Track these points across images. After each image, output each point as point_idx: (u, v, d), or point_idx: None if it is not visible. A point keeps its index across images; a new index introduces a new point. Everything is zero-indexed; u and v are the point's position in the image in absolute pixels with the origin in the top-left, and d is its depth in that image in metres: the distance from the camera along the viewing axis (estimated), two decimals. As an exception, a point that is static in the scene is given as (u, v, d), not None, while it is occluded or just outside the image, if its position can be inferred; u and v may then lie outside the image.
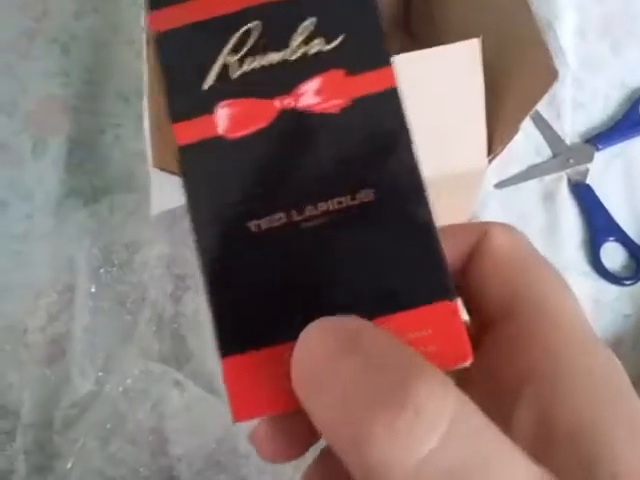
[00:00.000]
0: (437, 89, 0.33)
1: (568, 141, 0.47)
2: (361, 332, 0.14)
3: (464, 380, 0.13)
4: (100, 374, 0.41)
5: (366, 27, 0.17)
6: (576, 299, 0.17)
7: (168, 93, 0.17)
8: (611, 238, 0.44)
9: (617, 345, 0.42)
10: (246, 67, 0.17)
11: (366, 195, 0.16)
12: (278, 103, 0.16)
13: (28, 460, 0.40)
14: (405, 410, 0.12)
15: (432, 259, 0.16)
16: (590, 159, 0.46)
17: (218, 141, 0.16)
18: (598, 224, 0.44)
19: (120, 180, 0.47)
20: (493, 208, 0.45)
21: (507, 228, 0.18)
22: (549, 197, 0.45)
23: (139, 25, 0.52)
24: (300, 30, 0.17)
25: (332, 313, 0.15)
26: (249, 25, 0.17)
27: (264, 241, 0.16)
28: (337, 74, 0.17)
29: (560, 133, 0.47)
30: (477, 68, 0.33)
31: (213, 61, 0.17)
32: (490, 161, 0.35)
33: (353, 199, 0.16)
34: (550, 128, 0.47)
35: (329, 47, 0.17)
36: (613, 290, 0.43)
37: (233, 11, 0.17)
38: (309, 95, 0.16)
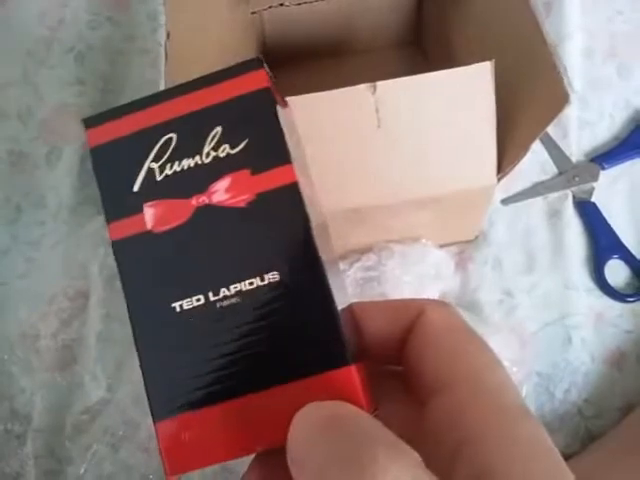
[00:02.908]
0: (450, 109, 0.34)
1: (574, 159, 0.48)
2: (333, 418, 0.16)
3: (413, 441, 0.15)
4: (111, 381, 0.42)
5: (267, 131, 0.20)
6: (504, 369, 0.19)
7: (103, 197, 0.20)
8: (615, 256, 0.44)
9: (621, 360, 0.42)
10: (167, 171, 0.20)
11: (272, 276, 0.19)
12: (194, 201, 0.19)
13: (38, 465, 0.41)
14: (373, 475, 0.14)
15: (330, 329, 0.18)
16: (595, 178, 0.47)
17: (146, 235, 0.19)
18: (602, 242, 0.45)
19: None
20: (500, 224, 0.46)
21: (441, 305, 0.20)
22: (554, 214, 0.46)
23: (154, 37, 0.53)
24: (210, 138, 0.20)
25: (246, 381, 0.18)
26: (168, 136, 0.20)
27: (187, 319, 0.19)
28: (243, 173, 0.19)
29: (566, 151, 0.48)
30: (489, 90, 0.34)
31: (140, 168, 0.20)
32: (499, 180, 0.35)
33: (262, 280, 0.19)
34: (556, 146, 0.48)
35: (235, 150, 0.19)
36: (616, 307, 0.44)
37: (154, 124, 0.20)
38: (220, 193, 0.19)
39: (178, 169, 0.20)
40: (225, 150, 0.19)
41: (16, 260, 0.46)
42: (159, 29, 0.53)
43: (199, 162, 0.19)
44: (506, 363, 0.40)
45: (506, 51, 0.37)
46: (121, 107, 0.20)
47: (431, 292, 0.42)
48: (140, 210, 0.19)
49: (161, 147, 0.20)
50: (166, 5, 0.37)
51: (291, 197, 0.19)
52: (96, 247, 0.45)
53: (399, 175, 0.35)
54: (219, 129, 0.20)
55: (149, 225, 0.19)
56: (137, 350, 0.19)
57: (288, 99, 0.33)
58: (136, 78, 0.52)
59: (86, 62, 0.52)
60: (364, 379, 0.19)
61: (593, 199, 0.46)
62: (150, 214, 0.19)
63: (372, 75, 0.33)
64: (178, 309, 0.19)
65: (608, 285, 0.44)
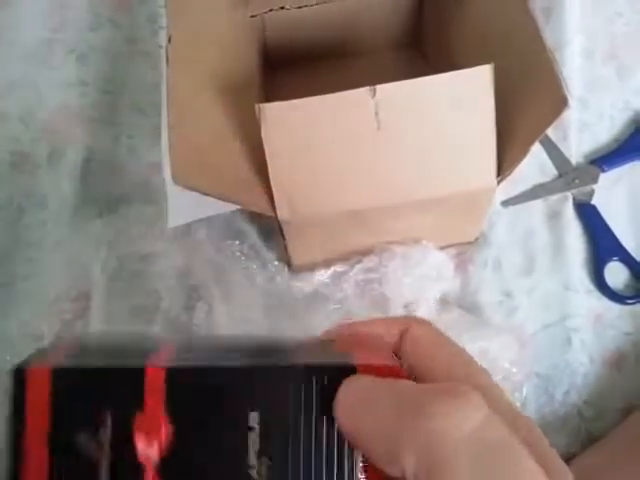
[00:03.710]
0: (450, 112, 0.34)
1: (574, 161, 0.48)
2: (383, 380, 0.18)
3: None
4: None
5: (121, 387, 0.18)
6: (490, 377, 0.20)
7: None
8: (615, 258, 0.45)
9: (620, 361, 0.42)
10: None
11: (254, 418, 0.18)
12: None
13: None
14: (459, 397, 0.16)
15: None
16: (595, 180, 0.47)
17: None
18: (602, 244, 0.45)
19: (135, 191, 0.48)
20: (500, 226, 0.46)
21: (424, 322, 0.22)
22: (554, 216, 0.46)
23: (155, 39, 0.53)
24: (83, 436, 0.18)
25: None
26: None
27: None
28: (138, 416, 0.18)
29: (566, 153, 0.48)
30: (489, 93, 0.34)
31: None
32: (499, 182, 0.36)
33: (250, 428, 0.18)
34: (556, 148, 0.48)
35: (108, 433, 0.18)
36: (615, 308, 0.44)
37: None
38: (148, 461, 0.18)
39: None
40: (105, 434, 0.18)
41: (18, 261, 0.46)
42: (160, 31, 0.53)
43: (109, 460, 0.18)
44: (506, 364, 0.40)
45: (505, 54, 0.37)
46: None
47: (432, 293, 0.42)
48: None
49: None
50: (167, 8, 0.37)
51: (180, 379, 0.18)
52: (98, 248, 0.45)
53: (399, 177, 0.35)
54: (81, 434, 0.18)
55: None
56: None
57: (289, 102, 0.33)
58: (137, 80, 0.52)
59: (87, 64, 0.52)
60: None
61: (593, 201, 0.46)
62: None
63: (372, 77, 0.33)
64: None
65: (608, 287, 0.44)
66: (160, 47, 0.52)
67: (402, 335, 0.21)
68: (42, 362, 0.18)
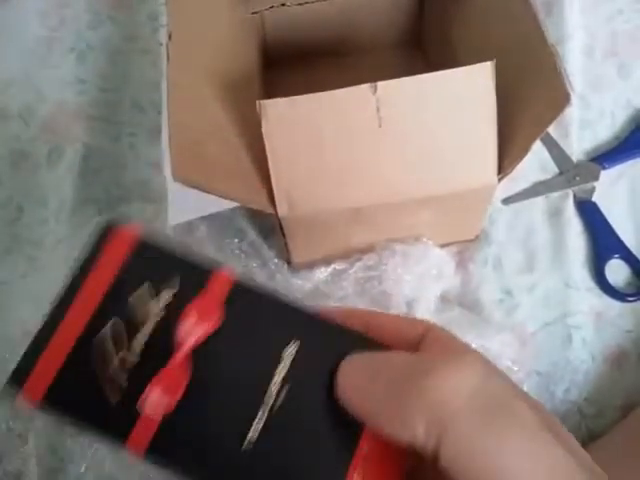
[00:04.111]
0: (451, 109, 0.34)
1: (575, 159, 0.48)
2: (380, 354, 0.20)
3: None
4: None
5: (192, 271, 0.20)
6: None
7: (98, 438, 0.18)
8: (615, 255, 0.45)
9: (621, 359, 0.42)
10: (133, 356, 0.19)
11: (294, 347, 0.19)
12: (179, 356, 0.18)
13: (40, 463, 0.41)
14: (457, 358, 0.18)
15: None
16: (596, 177, 0.47)
17: (167, 423, 0.18)
18: (603, 241, 0.45)
19: (135, 189, 0.48)
20: (500, 224, 0.46)
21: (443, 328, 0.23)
22: (555, 214, 0.46)
23: (154, 36, 0.53)
24: (141, 298, 0.19)
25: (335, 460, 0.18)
26: (103, 332, 0.19)
27: (255, 449, 0.18)
28: (196, 301, 0.19)
29: (567, 151, 0.48)
30: (490, 90, 0.34)
31: (104, 380, 0.18)
32: (500, 180, 0.36)
33: (286, 357, 0.19)
34: (557, 146, 0.48)
35: (173, 291, 0.19)
36: (616, 306, 0.44)
37: (79, 334, 0.19)
38: (193, 330, 0.19)
39: (142, 342, 0.19)
40: (165, 296, 0.19)
41: (18, 260, 0.46)
42: (160, 29, 0.53)
43: (153, 325, 0.19)
44: (506, 362, 0.40)
45: (507, 51, 0.37)
46: (30, 351, 0.19)
47: (432, 291, 0.42)
48: (138, 415, 0.18)
49: (105, 346, 0.19)
50: (168, 6, 0.37)
51: (245, 286, 0.20)
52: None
53: (400, 175, 0.35)
54: (146, 284, 0.19)
55: (159, 416, 0.18)
56: None
57: (290, 99, 0.33)
58: (137, 78, 0.52)
59: (87, 62, 0.52)
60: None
61: (594, 199, 0.46)
62: (152, 406, 0.18)
63: (373, 75, 0.33)
64: (245, 445, 0.18)
65: (608, 284, 0.44)
66: (160, 45, 0.52)
67: (424, 334, 0.22)
68: (126, 228, 0.21)
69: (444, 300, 0.43)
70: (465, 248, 0.45)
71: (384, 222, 0.39)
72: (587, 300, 0.44)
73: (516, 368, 0.40)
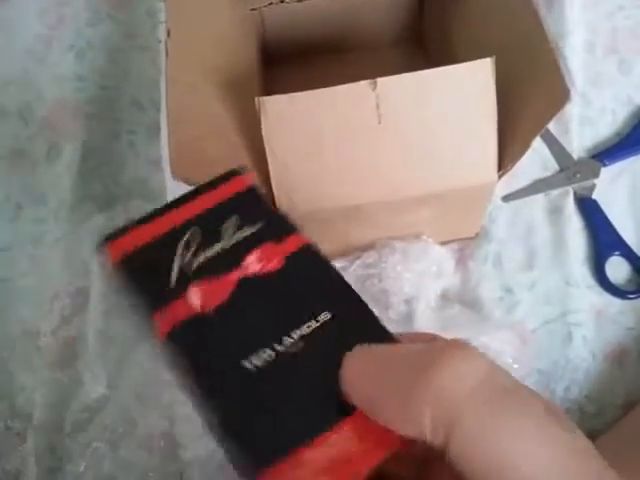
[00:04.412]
0: (451, 106, 0.34)
1: (575, 156, 0.48)
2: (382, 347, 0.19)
3: None
4: (112, 378, 0.42)
5: (267, 211, 0.24)
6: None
7: (142, 305, 0.21)
8: (616, 252, 0.44)
9: (622, 357, 0.42)
10: (200, 259, 0.22)
11: (324, 316, 0.21)
12: (235, 275, 0.22)
13: (39, 462, 0.41)
14: (463, 349, 0.17)
15: None
16: (596, 174, 0.46)
17: (197, 317, 0.21)
18: (603, 239, 0.45)
19: (134, 187, 0.47)
20: (500, 221, 0.46)
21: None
22: (555, 211, 0.46)
23: (154, 34, 0.53)
24: (229, 225, 0.23)
25: (328, 416, 0.19)
26: (189, 232, 0.22)
27: (261, 374, 0.20)
28: (267, 245, 0.22)
29: (567, 148, 0.48)
30: (490, 86, 0.33)
31: (171, 266, 0.22)
32: (500, 177, 0.35)
33: (317, 321, 0.21)
34: (557, 143, 0.48)
35: (254, 230, 0.23)
36: (617, 303, 0.44)
37: (171, 227, 0.22)
38: (254, 264, 0.22)
39: (209, 255, 0.22)
40: (245, 231, 0.23)
41: (17, 258, 0.46)
42: (159, 26, 0.53)
43: (227, 245, 0.22)
44: (507, 360, 0.40)
45: (507, 48, 0.37)
46: (132, 223, 0.23)
47: (432, 289, 0.42)
48: (182, 297, 0.21)
49: (186, 243, 0.22)
50: (166, 2, 0.37)
51: (313, 253, 0.23)
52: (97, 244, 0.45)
53: (400, 172, 0.35)
54: (234, 216, 0.23)
55: (197, 307, 0.21)
56: (214, 416, 0.19)
57: (289, 95, 0.33)
58: (136, 75, 0.52)
59: (86, 59, 0.52)
60: None
61: (594, 196, 0.46)
62: (195, 297, 0.21)
63: (373, 72, 0.33)
64: (251, 366, 0.20)
65: (609, 282, 0.44)
66: (159, 42, 0.52)
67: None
68: (245, 175, 0.25)
69: (444, 298, 0.43)
70: (465, 246, 0.45)
71: (384, 219, 0.39)
72: (587, 298, 0.44)
73: (516, 366, 0.40)
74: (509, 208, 0.46)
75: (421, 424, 0.16)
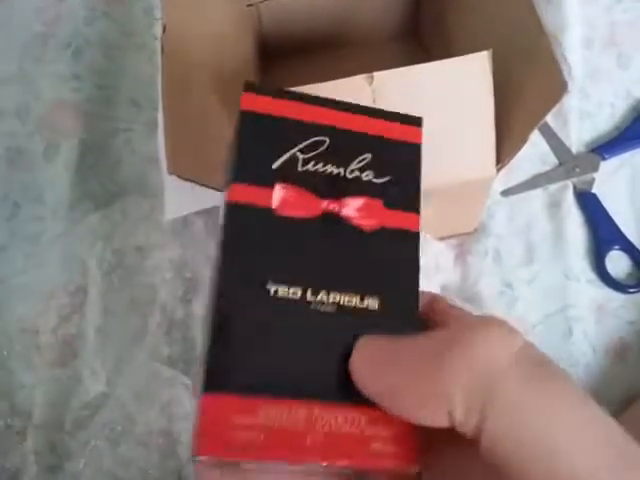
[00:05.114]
0: (448, 100, 0.34)
1: (574, 150, 0.47)
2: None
3: None
4: (111, 375, 0.42)
5: (409, 180, 0.21)
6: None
7: (240, 155, 0.20)
8: (616, 247, 0.44)
9: (623, 351, 0.42)
10: (310, 167, 0.20)
11: (372, 303, 0.19)
12: (325, 204, 0.20)
13: (38, 460, 0.41)
14: (494, 324, 0.17)
15: None
16: (596, 168, 0.46)
17: (267, 212, 0.19)
18: (603, 233, 0.44)
19: (132, 184, 0.47)
20: (500, 216, 0.45)
21: (441, 296, 0.22)
22: (555, 205, 0.46)
23: (150, 32, 0.53)
24: (359, 159, 0.21)
25: (316, 388, 0.18)
26: (321, 137, 0.21)
27: (276, 305, 0.19)
28: (377, 202, 0.20)
29: (566, 142, 0.47)
30: (487, 80, 0.33)
31: (285, 151, 0.20)
32: (498, 171, 0.35)
33: (361, 301, 0.19)
34: (556, 137, 0.47)
35: (378, 180, 0.21)
36: (617, 298, 0.43)
37: (311, 121, 0.21)
38: (351, 209, 0.20)
39: (321, 169, 0.20)
40: (369, 176, 0.21)
41: (15, 256, 0.46)
42: (155, 24, 0.52)
43: (342, 174, 0.20)
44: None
45: (505, 41, 0.37)
46: (286, 91, 0.21)
47: (432, 284, 0.42)
48: (271, 185, 0.20)
49: (312, 143, 0.21)
50: (162, -1, 0.37)
51: (411, 242, 0.21)
52: (95, 242, 0.45)
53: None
54: (369, 156, 0.21)
55: (274, 204, 0.20)
56: (213, 315, 0.18)
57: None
58: (133, 73, 0.52)
59: (83, 58, 0.52)
60: None
61: (593, 190, 0.46)
62: (280, 194, 0.20)
63: (370, 67, 0.33)
64: (272, 292, 0.19)
65: (609, 276, 0.43)
66: (156, 39, 0.52)
67: (429, 306, 0.21)
68: None
69: (444, 293, 0.43)
70: (464, 241, 0.45)
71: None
72: (588, 292, 0.43)
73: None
74: (508, 203, 0.46)
75: (451, 409, 0.15)
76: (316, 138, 0.21)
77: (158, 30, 0.50)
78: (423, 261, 0.41)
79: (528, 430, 0.15)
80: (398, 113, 0.22)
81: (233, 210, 0.19)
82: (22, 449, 0.41)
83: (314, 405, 0.18)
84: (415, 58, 0.51)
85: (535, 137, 0.47)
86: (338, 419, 0.17)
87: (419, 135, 0.23)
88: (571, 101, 0.48)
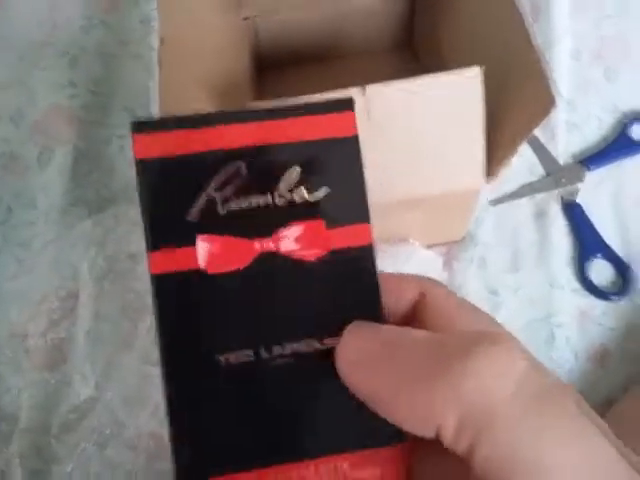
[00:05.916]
0: (439, 112, 0.34)
1: (561, 161, 0.48)
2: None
3: None
4: (100, 380, 0.42)
5: (350, 183, 0.18)
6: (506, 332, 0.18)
7: (149, 219, 0.17)
8: (599, 255, 0.45)
9: (604, 357, 0.43)
10: (232, 205, 0.17)
11: (333, 342, 0.17)
12: (258, 245, 0.17)
13: (23, 464, 0.40)
14: (499, 343, 0.15)
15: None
16: (581, 179, 0.47)
17: (197, 274, 0.17)
18: (587, 241, 0.45)
19: (125, 191, 0.48)
20: (487, 224, 0.46)
21: (439, 284, 0.20)
22: (541, 214, 0.47)
23: (146, 41, 0.53)
24: (285, 177, 0.17)
25: (289, 451, 0.16)
26: (236, 164, 0.17)
27: (230, 374, 0.17)
28: (317, 224, 0.17)
29: (553, 153, 0.48)
30: (478, 94, 0.34)
31: (197, 196, 0.17)
32: (487, 182, 0.36)
33: (321, 344, 0.17)
34: (544, 148, 0.48)
35: (312, 198, 0.17)
36: (600, 305, 0.44)
37: (220, 147, 0.17)
38: (289, 241, 0.17)
39: (245, 205, 0.17)
40: (301, 194, 0.17)
41: (6, 261, 0.46)
42: (152, 33, 0.53)
43: (270, 202, 0.17)
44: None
45: (494, 55, 0.37)
46: (181, 118, 0.17)
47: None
48: (192, 242, 0.17)
49: (227, 176, 0.17)
50: (159, 10, 0.37)
51: (365, 260, 0.18)
52: (87, 248, 0.45)
53: (388, 177, 0.35)
54: (297, 169, 0.17)
55: (201, 263, 0.17)
56: (167, 403, 0.17)
57: (280, 101, 0.33)
58: (128, 82, 0.52)
59: (79, 65, 0.52)
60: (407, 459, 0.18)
61: (579, 200, 0.47)
62: (204, 250, 0.17)
63: (365, 78, 0.34)
64: (223, 362, 0.17)
65: (592, 284, 0.44)
66: (152, 49, 0.52)
67: (420, 297, 0.19)
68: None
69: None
70: (451, 248, 0.45)
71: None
72: (571, 299, 0.44)
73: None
74: (496, 211, 0.47)
75: (442, 424, 0.14)
76: (229, 167, 0.17)
77: (154, 40, 0.51)
78: (410, 269, 0.42)
79: (524, 464, 0.14)
80: (324, 102, 0.18)
81: (159, 284, 0.17)
82: (7, 453, 0.41)
83: (292, 468, 0.17)
84: (409, 70, 0.51)
85: (523, 149, 0.48)
86: (320, 474, 0.16)
87: (352, 122, 0.18)
88: (559, 113, 0.49)
